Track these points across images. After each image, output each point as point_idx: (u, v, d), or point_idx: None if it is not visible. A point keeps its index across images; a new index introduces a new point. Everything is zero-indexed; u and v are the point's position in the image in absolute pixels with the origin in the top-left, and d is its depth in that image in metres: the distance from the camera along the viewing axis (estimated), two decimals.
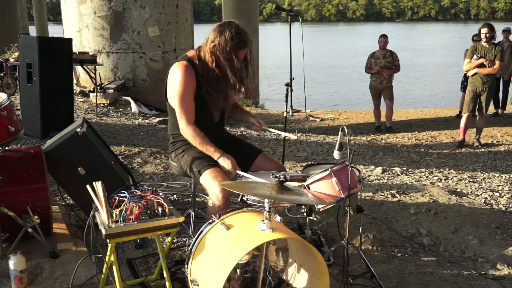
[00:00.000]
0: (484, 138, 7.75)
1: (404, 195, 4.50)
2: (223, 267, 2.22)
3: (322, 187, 2.92)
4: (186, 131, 2.96)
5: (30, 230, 3.04)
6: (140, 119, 7.48)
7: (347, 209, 2.88)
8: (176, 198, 4.39)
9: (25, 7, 23.41)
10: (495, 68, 6.92)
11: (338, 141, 2.92)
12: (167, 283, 2.66)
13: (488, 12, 79.34)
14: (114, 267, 2.55)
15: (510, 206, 4.29)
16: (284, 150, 4.63)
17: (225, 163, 2.89)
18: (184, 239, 3.54)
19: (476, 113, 7.33)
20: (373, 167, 5.68)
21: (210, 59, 2.89)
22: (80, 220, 3.67)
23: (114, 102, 8.25)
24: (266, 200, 2.34)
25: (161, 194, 2.68)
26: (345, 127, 2.83)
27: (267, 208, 2.33)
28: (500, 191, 4.76)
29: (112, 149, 4.26)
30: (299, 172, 4.01)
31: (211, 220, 2.49)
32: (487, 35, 6.91)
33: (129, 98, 8.32)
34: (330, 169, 2.92)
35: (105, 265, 2.61)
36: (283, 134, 3.42)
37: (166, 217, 2.51)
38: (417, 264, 3.36)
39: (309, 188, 2.89)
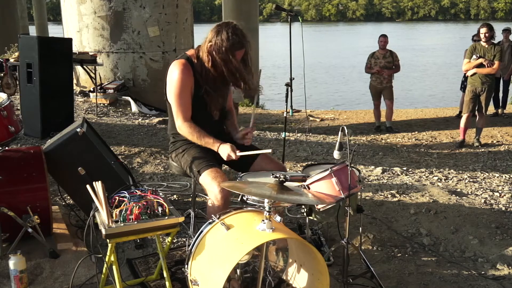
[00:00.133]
0: (484, 138, 7.75)
1: (404, 195, 4.50)
2: (223, 267, 2.22)
3: (322, 187, 2.92)
4: (183, 128, 2.96)
5: (30, 230, 3.04)
6: (140, 119, 7.48)
7: (347, 209, 2.88)
8: (176, 198, 4.39)
9: (25, 7, 23.40)
10: (494, 68, 6.92)
11: (338, 141, 2.92)
12: (167, 283, 2.66)
13: (488, 12, 79.35)
14: (114, 267, 2.55)
15: (510, 206, 4.29)
16: (284, 150, 4.64)
17: (225, 150, 2.88)
18: (184, 239, 3.54)
19: (476, 113, 7.33)
20: (373, 167, 5.69)
21: (207, 59, 2.90)
22: (80, 220, 3.67)
23: (114, 102, 8.25)
24: (266, 200, 2.34)
25: (161, 194, 2.68)
26: (345, 127, 2.83)
27: (267, 208, 2.33)
28: (500, 191, 4.76)
29: (112, 149, 4.26)
30: (299, 172, 4.01)
31: (211, 220, 2.49)
32: (487, 35, 6.91)
33: (129, 98, 8.32)
34: (330, 169, 2.92)
35: (105, 265, 2.61)
36: (258, 152, 3.11)
37: (166, 217, 2.51)
38: (417, 264, 3.36)
39: (309, 188, 2.89)
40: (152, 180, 4.81)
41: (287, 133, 5.19)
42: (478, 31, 7.11)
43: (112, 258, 2.55)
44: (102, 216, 2.47)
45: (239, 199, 2.69)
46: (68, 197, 3.82)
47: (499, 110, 9.97)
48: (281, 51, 20.51)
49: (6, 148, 3.37)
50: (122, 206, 2.50)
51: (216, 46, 2.85)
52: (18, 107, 6.43)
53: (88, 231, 2.50)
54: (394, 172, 5.51)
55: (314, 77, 20.61)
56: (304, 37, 4.54)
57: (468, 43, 7.84)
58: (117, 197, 2.58)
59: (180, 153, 3.09)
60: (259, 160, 3.10)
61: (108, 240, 2.44)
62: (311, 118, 10.20)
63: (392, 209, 4.17)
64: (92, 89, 8.30)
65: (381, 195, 4.51)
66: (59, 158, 3.37)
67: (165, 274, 2.67)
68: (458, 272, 3.25)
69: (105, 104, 8.09)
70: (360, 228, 3.34)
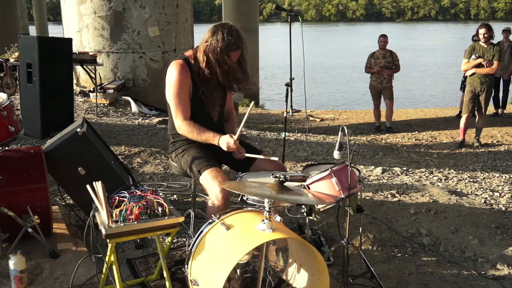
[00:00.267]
0: (484, 138, 7.75)
1: (404, 195, 4.50)
2: (223, 267, 2.22)
3: (322, 187, 2.92)
4: (182, 127, 2.97)
5: (30, 230, 3.04)
6: (140, 119, 7.48)
7: (347, 209, 2.89)
8: (176, 198, 4.39)
9: (25, 7, 23.39)
10: (493, 68, 6.92)
11: (338, 141, 2.92)
12: (167, 283, 2.66)
13: (488, 12, 79.34)
14: (114, 267, 2.55)
15: (510, 206, 4.29)
16: (284, 150, 4.64)
17: (225, 140, 2.88)
18: (184, 239, 3.54)
19: (476, 113, 7.33)
20: (373, 167, 5.69)
21: (202, 59, 2.91)
22: (80, 220, 3.67)
23: (114, 102, 8.25)
24: (266, 200, 2.34)
25: (161, 194, 2.68)
26: (345, 127, 2.83)
27: (267, 208, 2.33)
28: (500, 191, 4.76)
29: (112, 149, 4.26)
30: (299, 172, 4.01)
31: (211, 220, 2.49)
32: (485, 35, 6.91)
33: (129, 98, 8.32)
34: (330, 169, 2.92)
35: (105, 265, 2.61)
36: (260, 156, 3.07)
37: (166, 217, 2.51)
38: (417, 264, 3.36)
39: (309, 188, 2.89)
40: (152, 180, 4.81)
41: (287, 133, 5.19)
42: (477, 32, 7.11)
43: (112, 258, 2.55)
44: (102, 216, 2.47)
45: (239, 199, 2.69)
46: (68, 197, 3.82)
47: (499, 110, 9.97)
48: (281, 51, 20.50)
49: (6, 148, 3.37)
50: (122, 206, 2.50)
51: (212, 46, 2.86)
52: (18, 107, 6.43)
53: (88, 231, 2.50)
54: (394, 172, 5.51)
55: (314, 77, 20.61)
56: (304, 37, 4.54)
57: (468, 43, 7.84)
58: (117, 197, 2.58)
59: (180, 153, 3.09)
60: (259, 160, 3.10)
61: (108, 240, 2.44)
62: (311, 118, 10.20)
63: (392, 209, 4.17)
64: (92, 89, 8.30)
65: (381, 195, 4.51)
66: (59, 158, 3.37)
67: (165, 274, 2.67)
68: (458, 272, 3.25)
69: (105, 104, 8.09)
70: (360, 228, 3.34)
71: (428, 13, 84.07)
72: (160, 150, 5.67)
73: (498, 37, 9.56)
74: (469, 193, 4.71)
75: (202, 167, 2.92)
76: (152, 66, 8.70)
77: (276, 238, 2.38)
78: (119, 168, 3.62)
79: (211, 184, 2.83)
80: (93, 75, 7.82)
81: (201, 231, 2.48)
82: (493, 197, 4.57)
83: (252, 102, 3.08)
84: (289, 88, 4.34)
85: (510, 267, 3.30)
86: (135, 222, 2.44)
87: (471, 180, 5.30)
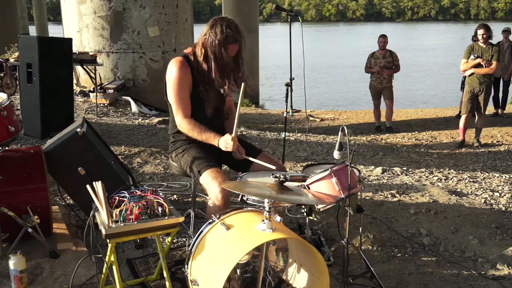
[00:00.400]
0: (484, 138, 7.75)
1: (404, 195, 4.50)
2: (223, 267, 2.22)
3: (322, 187, 2.92)
4: (183, 124, 2.97)
5: (30, 230, 3.04)
6: (140, 119, 7.48)
7: (347, 209, 2.88)
8: (176, 198, 4.39)
9: (25, 7, 23.39)
10: (492, 68, 6.91)
11: (338, 141, 2.92)
12: (167, 283, 2.66)
13: (488, 12, 79.31)
14: (114, 267, 2.55)
15: (510, 206, 4.29)
16: (284, 150, 4.63)
17: (223, 141, 2.88)
18: (184, 239, 3.54)
19: (475, 113, 7.33)
20: (373, 167, 5.68)
21: (200, 52, 2.92)
22: (80, 220, 3.67)
23: (114, 102, 8.25)
24: (266, 200, 2.34)
25: (161, 194, 2.68)
26: (345, 127, 2.83)
27: (267, 208, 2.33)
28: (500, 191, 4.76)
29: (112, 149, 4.26)
30: (299, 172, 4.01)
31: (211, 220, 2.49)
32: (484, 36, 6.91)
33: (129, 98, 8.32)
34: (330, 169, 2.92)
35: (105, 265, 2.61)
36: (263, 163, 2.99)
37: (166, 217, 2.51)
38: (417, 264, 3.36)
39: (309, 188, 2.89)
40: (152, 180, 4.81)
41: (287, 133, 5.19)
42: (475, 32, 7.10)
43: (112, 258, 2.55)
44: (102, 216, 2.47)
45: (239, 199, 2.69)
46: (68, 197, 3.82)
47: (499, 110, 9.96)
48: (281, 51, 20.48)
49: (6, 148, 3.37)
50: (122, 206, 2.50)
51: (210, 39, 2.87)
52: (18, 107, 6.43)
53: (88, 231, 2.50)
54: (394, 172, 5.51)
55: (314, 77, 20.61)
56: (304, 37, 4.53)
57: (469, 43, 7.83)
58: (117, 197, 2.58)
59: (180, 153, 3.09)
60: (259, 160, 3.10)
61: (108, 240, 2.44)
62: (311, 118, 10.20)
63: (392, 209, 4.17)
64: (92, 89, 8.30)
65: (381, 195, 4.51)
66: (59, 158, 3.37)
67: (165, 274, 2.67)
68: (458, 272, 3.25)
69: (105, 104, 8.09)
70: (360, 228, 3.34)
71: (428, 13, 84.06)
72: (160, 150, 5.67)
73: (498, 37, 9.57)
74: (469, 193, 4.71)
75: (202, 168, 2.92)
76: (152, 66, 8.70)
77: (276, 238, 2.38)
78: (119, 168, 3.62)
79: (211, 184, 2.83)
80: (93, 75, 7.81)
81: (201, 231, 2.48)
82: (493, 197, 4.57)
83: (243, 84, 3.01)
84: (289, 88, 4.34)
85: (510, 267, 3.30)
86: (135, 222, 2.44)
87: (471, 180, 5.30)
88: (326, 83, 20.21)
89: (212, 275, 2.29)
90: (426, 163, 6.34)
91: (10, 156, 3.27)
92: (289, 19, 4.38)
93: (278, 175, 2.43)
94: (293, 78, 4.39)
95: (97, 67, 7.90)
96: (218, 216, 2.49)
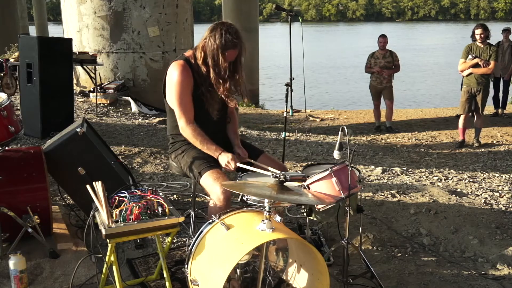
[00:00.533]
0: (484, 138, 7.75)
1: (404, 195, 4.50)
2: (223, 267, 2.22)
3: (322, 187, 2.92)
4: (186, 130, 2.96)
5: (30, 230, 3.04)
6: (140, 119, 7.48)
7: (347, 209, 2.88)
8: (176, 198, 4.39)
9: (25, 7, 23.40)
10: (490, 68, 6.92)
11: (338, 141, 2.92)
12: (167, 283, 2.66)
13: (488, 12, 79.31)
14: (114, 267, 2.55)
15: (510, 206, 4.29)
16: (284, 150, 4.63)
17: (226, 159, 2.89)
18: (184, 239, 3.54)
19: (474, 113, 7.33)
20: (373, 167, 5.69)
21: (199, 56, 2.93)
22: (80, 220, 3.67)
23: (114, 102, 8.25)
24: (266, 200, 2.34)
25: (161, 194, 2.68)
26: (345, 127, 2.83)
27: (267, 208, 2.33)
28: (500, 191, 4.76)
29: (112, 149, 4.26)
30: (299, 172, 4.01)
31: (211, 220, 2.49)
32: (482, 35, 6.91)
33: (129, 98, 8.32)
34: (330, 169, 2.92)
35: (105, 265, 2.61)
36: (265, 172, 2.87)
37: (166, 217, 2.51)
38: (417, 264, 3.36)
39: (309, 188, 2.89)
40: (152, 180, 4.81)
41: (287, 133, 5.19)
42: (473, 32, 7.10)
43: (112, 258, 2.55)
44: (102, 216, 2.47)
45: (239, 199, 2.69)
46: (68, 197, 3.82)
47: (499, 110, 9.96)
48: (281, 51, 20.51)
49: (6, 148, 3.37)
50: (122, 206, 2.50)
51: (209, 43, 2.87)
52: (18, 107, 6.43)
53: (88, 231, 2.50)
54: (394, 172, 5.51)
55: (314, 77, 20.61)
56: (304, 37, 4.53)
57: (469, 42, 7.83)
58: (117, 197, 2.58)
59: (180, 154, 3.09)
60: (259, 161, 3.10)
61: (108, 240, 2.44)
62: (311, 118, 10.20)
63: (392, 209, 4.17)
64: (92, 89, 8.30)
65: (381, 195, 4.51)
66: (59, 158, 3.37)
67: (165, 274, 2.67)
68: (458, 272, 3.25)
69: (105, 104, 8.09)
70: (360, 228, 3.34)
71: (428, 13, 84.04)
72: (160, 150, 5.67)
73: (498, 37, 9.58)
74: (469, 193, 4.71)
75: (203, 169, 2.92)
76: (152, 66, 8.70)
77: (276, 238, 2.38)
78: (119, 168, 3.62)
79: (213, 186, 2.83)
80: (93, 75, 7.82)
81: (201, 231, 2.48)
82: (493, 197, 4.57)
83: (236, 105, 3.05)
84: (289, 88, 4.34)
85: (510, 267, 3.30)
86: (135, 222, 2.44)
87: (471, 180, 5.30)
88: (326, 83, 20.21)
89: (212, 275, 2.29)
90: (426, 163, 6.34)
91: (10, 156, 3.27)
92: (289, 19, 4.38)
93: (278, 175, 2.43)
94: (293, 78, 4.39)
95: (97, 67, 7.91)
96: (218, 216, 2.49)
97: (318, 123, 9.83)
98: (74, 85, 7.92)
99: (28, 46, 5.85)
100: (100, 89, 8.14)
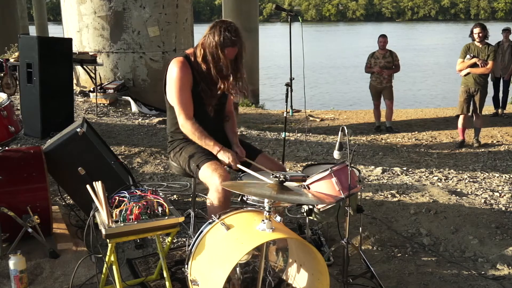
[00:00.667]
0: (484, 138, 7.75)
1: (404, 195, 4.50)
2: (223, 267, 2.22)
3: (322, 187, 2.92)
4: (185, 126, 2.98)
5: (30, 230, 3.04)
6: (140, 119, 7.48)
7: (347, 209, 2.88)
8: (176, 198, 4.39)
9: (25, 7, 23.40)
10: (488, 68, 6.92)
11: (338, 141, 2.92)
12: (167, 283, 2.66)
13: (488, 12, 79.28)
14: (114, 267, 2.55)
15: (510, 206, 4.29)
16: (284, 150, 4.63)
17: (225, 156, 2.89)
18: (184, 239, 3.54)
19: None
20: (373, 167, 5.68)
21: (199, 53, 2.94)
22: (80, 220, 3.67)
23: (114, 102, 8.25)
24: (266, 200, 2.34)
25: (161, 194, 2.68)
26: (345, 127, 2.83)
27: (267, 208, 2.33)
28: (500, 191, 4.76)
29: (112, 149, 4.26)
30: (299, 172, 4.01)
31: (211, 220, 2.49)
32: (480, 34, 6.91)
33: (129, 98, 8.32)
34: (330, 169, 2.92)
35: (105, 265, 2.61)
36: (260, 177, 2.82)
37: (166, 217, 2.51)
38: (417, 264, 3.36)
39: (309, 188, 2.89)
40: (152, 180, 4.81)
41: (287, 133, 5.19)
42: (471, 31, 7.09)
43: (112, 258, 2.55)
44: (102, 216, 2.47)
45: (239, 199, 2.69)
46: (68, 197, 3.82)
47: (499, 110, 9.96)
48: (281, 51, 20.49)
49: (6, 148, 3.37)
50: (122, 206, 2.50)
51: (209, 40, 2.89)
52: (18, 107, 6.43)
53: (88, 231, 2.50)
54: (394, 172, 5.51)
55: (315, 77, 20.61)
56: (304, 37, 4.53)
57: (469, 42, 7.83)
58: (117, 197, 2.58)
59: (178, 152, 3.10)
60: (258, 161, 3.10)
61: (108, 240, 2.44)
62: (311, 118, 10.20)
63: (392, 209, 4.17)
64: (92, 89, 8.30)
65: (381, 195, 4.51)
66: (59, 158, 3.37)
67: (165, 274, 2.67)
68: (458, 272, 3.25)
69: (105, 104, 8.09)
70: (360, 228, 3.34)
71: (428, 13, 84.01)
72: (160, 150, 5.67)
73: (498, 36, 9.58)
74: (469, 193, 4.71)
75: (201, 161, 2.93)
76: (152, 66, 8.70)
77: (276, 238, 2.38)
78: (119, 168, 3.62)
79: (211, 177, 2.82)
80: (93, 75, 7.81)
81: (201, 231, 2.48)
82: (493, 197, 4.57)
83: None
84: (289, 88, 4.34)
85: (510, 267, 3.30)
86: (135, 222, 2.44)
87: (471, 180, 5.30)
88: (326, 83, 20.20)
89: (212, 275, 2.29)
90: (426, 163, 6.34)
91: (10, 156, 3.27)
92: (289, 19, 4.38)
93: (278, 175, 2.43)
94: (293, 78, 4.39)
95: (97, 67, 7.90)
96: (218, 216, 2.49)
97: (318, 123, 9.83)
98: (74, 85, 7.92)
99: (28, 46, 5.85)
100: (100, 89, 8.14)
